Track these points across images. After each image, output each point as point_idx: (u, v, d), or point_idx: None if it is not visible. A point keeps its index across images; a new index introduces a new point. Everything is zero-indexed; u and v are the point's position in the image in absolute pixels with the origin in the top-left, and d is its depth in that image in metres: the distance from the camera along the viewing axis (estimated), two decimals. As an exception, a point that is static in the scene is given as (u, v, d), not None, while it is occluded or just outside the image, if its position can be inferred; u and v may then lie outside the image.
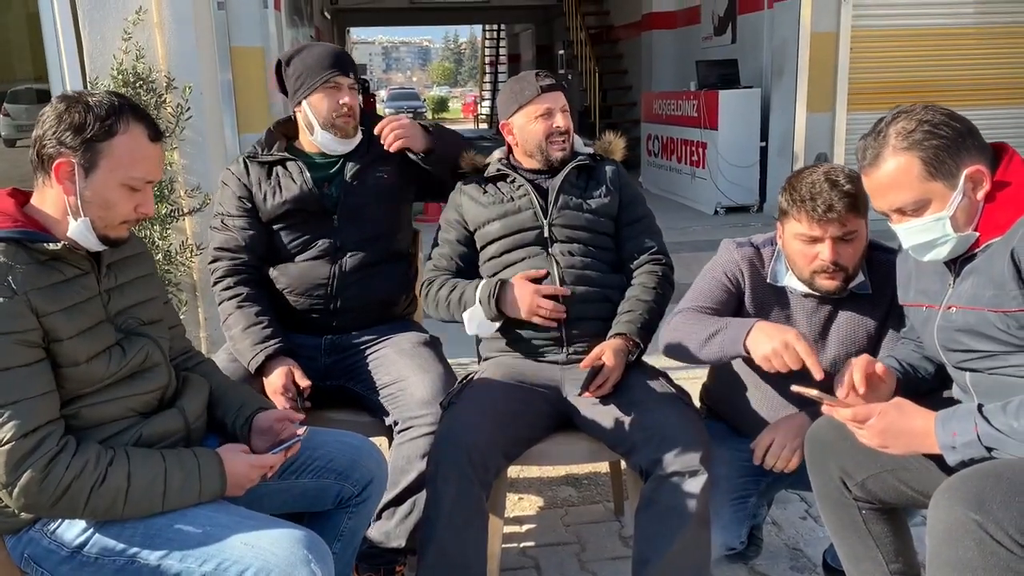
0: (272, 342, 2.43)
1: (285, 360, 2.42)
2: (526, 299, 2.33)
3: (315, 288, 2.56)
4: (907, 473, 1.88)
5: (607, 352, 2.28)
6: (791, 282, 2.25)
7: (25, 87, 5.22)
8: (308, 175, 2.57)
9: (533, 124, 2.50)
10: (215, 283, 2.58)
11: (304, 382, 2.38)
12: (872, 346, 2.25)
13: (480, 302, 2.37)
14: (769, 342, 1.98)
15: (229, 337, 2.51)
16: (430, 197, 2.85)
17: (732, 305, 2.32)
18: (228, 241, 2.58)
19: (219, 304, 2.56)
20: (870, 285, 2.23)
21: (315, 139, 2.60)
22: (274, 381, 2.37)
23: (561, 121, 2.48)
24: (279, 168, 2.60)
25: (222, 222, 2.61)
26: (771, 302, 2.30)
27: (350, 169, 2.61)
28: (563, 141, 2.50)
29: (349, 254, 2.57)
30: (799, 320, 2.28)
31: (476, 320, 2.40)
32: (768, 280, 2.30)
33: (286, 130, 2.70)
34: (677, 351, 2.25)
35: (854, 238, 2.11)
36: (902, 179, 1.72)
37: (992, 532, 1.47)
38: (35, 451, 1.56)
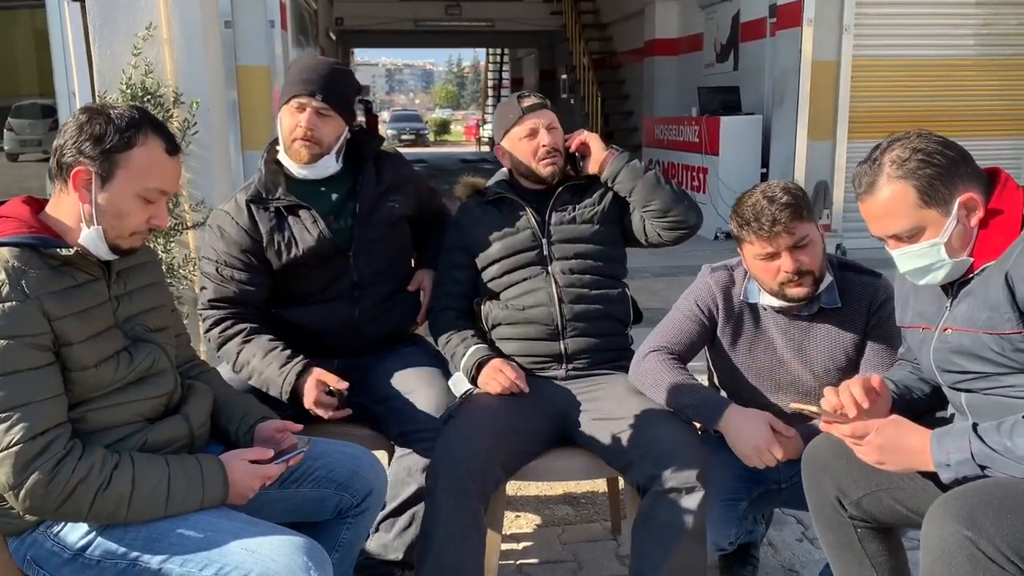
0: (297, 360, 2.36)
1: (312, 371, 2.34)
2: (493, 380, 2.39)
3: (339, 328, 2.53)
4: (902, 492, 1.90)
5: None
6: (764, 299, 2.30)
7: (29, 102, 5.25)
8: (323, 223, 2.46)
9: (520, 145, 2.54)
10: (210, 328, 2.47)
11: (341, 384, 2.31)
12: (852, 364, 2.30)
13: (463, 372, 2.48)
14: (748, 442, 2.10)
15: (247, 373, 2.40)
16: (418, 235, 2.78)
17: (705, 338, 2.39)
18: (224, 294, 2.46)
19: (220, 347, 2.46)
20: (840, 299, 2.27)
21: (281, 159, 2.51)
22: (309, 395, 2.31)
23: (546, 138, 2.51)
24: (290, 216, 2.47)
25: (217, 271, 2.46)
26: (745, 321, 2.35)
27: (363, 202, 2.53)
28: (551, 157, 2.52)
29: (367, 290, 2.55)
30: (774, 336, 2.33)
31: (460, 384, 2.51)
32: (741, 298, 2.35)
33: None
34: (648, 392, 2.32)
35: (808, 242, 2.17)
36: (897, 207, 1.75)
37: (985, 549, 1.49)
38: (42, 454, 1.58)
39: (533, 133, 2.51)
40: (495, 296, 2.56)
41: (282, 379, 2.33)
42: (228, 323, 2.46)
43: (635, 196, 2.49)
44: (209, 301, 2.48)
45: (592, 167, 2.55)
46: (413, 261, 2.79)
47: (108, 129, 1.69)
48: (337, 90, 2.45)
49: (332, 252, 2.48)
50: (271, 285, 2.51)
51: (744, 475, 2.29)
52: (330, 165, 2.50)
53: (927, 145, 1.74)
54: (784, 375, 2.33)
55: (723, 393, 2.50)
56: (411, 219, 2.70)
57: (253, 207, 2.47)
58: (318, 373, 2.33)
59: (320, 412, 2.32)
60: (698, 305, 2.37)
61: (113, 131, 1.69)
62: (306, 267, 2.48)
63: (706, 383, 2.64)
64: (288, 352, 2.39)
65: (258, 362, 2.38)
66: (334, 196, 2.54)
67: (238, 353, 2.43)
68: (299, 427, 2.01)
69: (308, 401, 2.32)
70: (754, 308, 2.34)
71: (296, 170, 2.49)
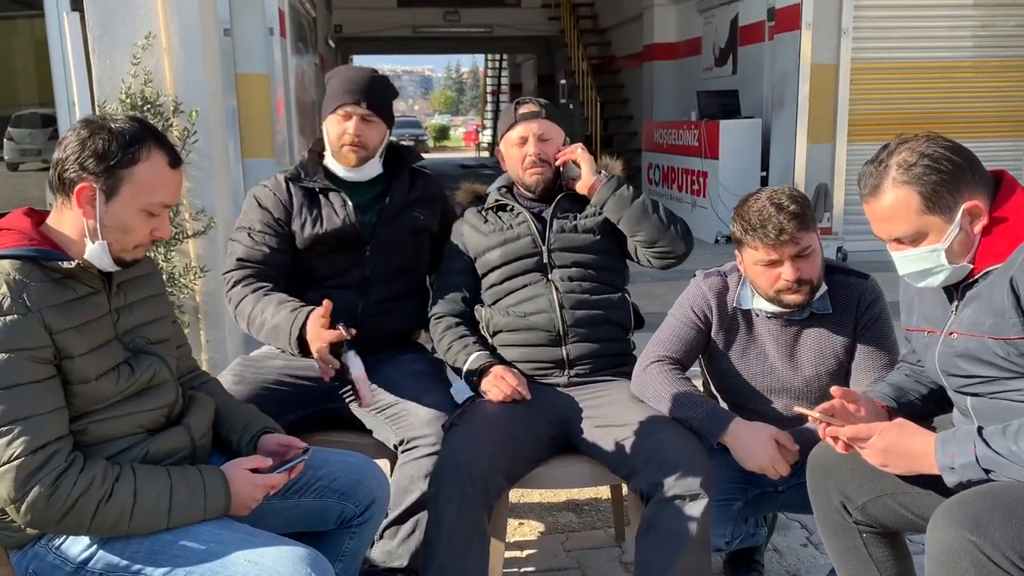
0: (309, 306, 2.27)
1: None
2: (495, 387, 2.38)
3: (342, 318, 2.53)
4: (907, 497, 1.89)
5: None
6: (758, 304, 2.31)
7: (29, 112, 5.26)
8: (351, 207, 2.56)
9: (511, 151, 2.57)
10: (232, 286, 2.48)
11: (350, 331, 2.14)
12: (843, 367, 2.31)
13: (464, 379, 2.47)
14: (754, 459, 2.11)
15: (259, 325, 2.37)
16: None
17: (701, 342, 2.40)
18: (252, 255, 2.52)
19: (238, 304, 2.44)
20: (831, 305, 2.28)
21: (328, 163, 2.61)
22: (313, 329, 2.17)
23: (531, 148, 2.53)
24: (322, 197, 2.58)
25: (248, 235, 2.54)
26: (737, 327, 2.37)
27: (392, 204, 2.61)
28: (535, 167, 2.54)
29: (376, 286, 2.58)
30: (765, 342, 2.34)
31: (462, 392, 2.50)
32: (735, 304, 2.35)
33: (321, 149, 2.67)
34: (651, 404, 2.33)
35: (810, 252, 2.18)
36: (900, 212, 1.75)
37: (990, 554, 1.48)
38: (43, 467, 1.57)
39: (523, 141, 2.54)
40: (495, 302, 2.56)
41: (291, 322, 2.26)
42: (251, 279, 2.49)
43: (622, 225, 2.49)
44: (238, 260, 2.53)
45: (581, 189, 2.54)
46: (428, 280, 2.82)
47: (111, 145, 1.68)
48: (378, 96, 2.57)
49: (352, 239, 2.56)
50: (293, 257, 2.57)
51: (740, 477, 2.29)
52: (375, 167, 2.63)
53: (934, 150, 1.73)
54: (774, 380, 2.35)
55: (718, 396, 2.51)
56: (433, 237, 2.74)
57: (291, 183, 2.59)
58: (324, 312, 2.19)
59: (322, 339, 2.14)
60: (693, 311, 2.38)
61: (116, 147, 1.68)
62: (325, 247, 2.55)
63: (700, 387, 2.65)
64: (302, 303, 2.34)
65: (271, 312, 2.34)
66: (366, 193, 2.62)
67: (254, 306, 2.41)
68: (304, 445, 1.99)
69: (314, 334, 2.17)
70: (747, 314, 2.36)
71: (343, 173, 2.60)
